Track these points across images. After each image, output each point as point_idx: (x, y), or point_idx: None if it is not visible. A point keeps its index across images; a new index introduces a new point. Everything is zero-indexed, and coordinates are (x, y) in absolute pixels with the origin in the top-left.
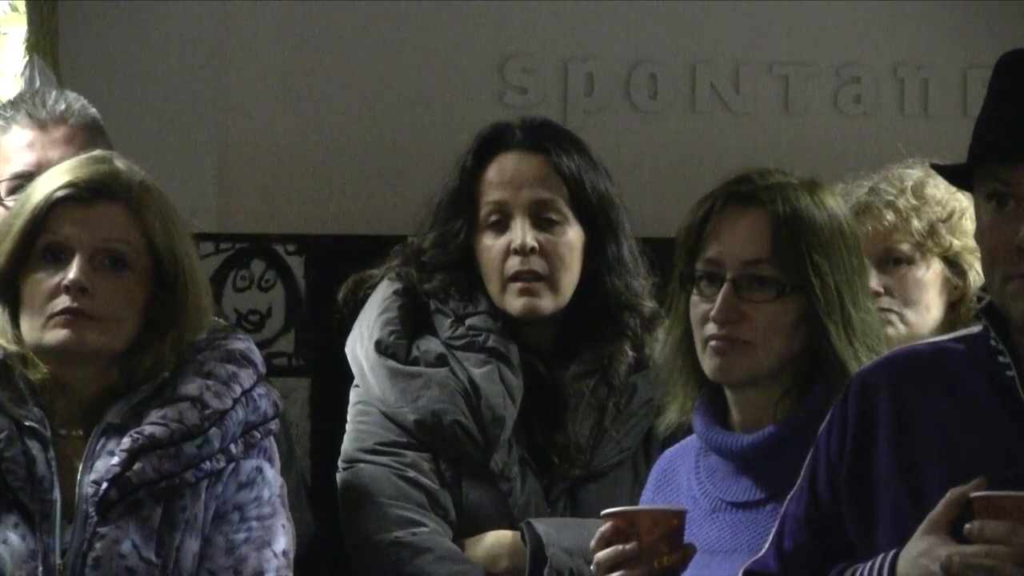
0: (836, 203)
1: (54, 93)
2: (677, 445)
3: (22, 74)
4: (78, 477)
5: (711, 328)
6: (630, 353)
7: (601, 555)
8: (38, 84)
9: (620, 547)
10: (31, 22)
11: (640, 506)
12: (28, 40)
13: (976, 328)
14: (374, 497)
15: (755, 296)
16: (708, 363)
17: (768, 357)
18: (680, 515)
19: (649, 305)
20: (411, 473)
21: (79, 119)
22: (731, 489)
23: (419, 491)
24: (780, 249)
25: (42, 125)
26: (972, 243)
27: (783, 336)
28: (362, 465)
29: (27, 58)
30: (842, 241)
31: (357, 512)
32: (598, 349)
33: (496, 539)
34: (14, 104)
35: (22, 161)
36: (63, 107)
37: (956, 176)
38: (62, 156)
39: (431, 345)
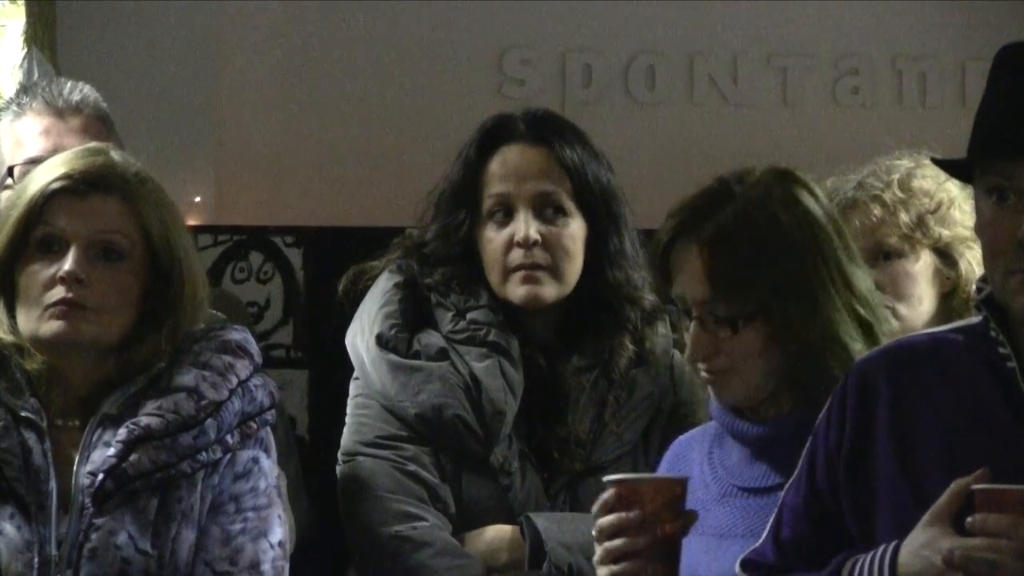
0: (794, 207)
1: (69, 83)
2: (691, 431)
3: (20, 66)
4: (74, 468)
5: (696, 362)
6: (630, 347)
7: (603, 521)
8: (36, 76)
9: (623, 514)
10: (29, 14)
11: (642, 475)
12: (26, 32)
13: (975, 319)
14: (374, 491)
15: (718, 331)
16: (711, 392)
17: (754, 378)
18: (682, 483)
19: (649, 298)
20: (411, 467)
21: (94, 110)
22: (744, 475)
23: (419, 485)
24: (719, 289)
25: (59, 113)
26: (962, 233)
27: (759, 360)
28: (362, 458)
29: (25, 50)
30: (789, 257)
31: (357, 505)
32: (599, 342)
33: (495, 533)
34: (28, 91)
35: (37, 147)
36: (79, 97)
37: (956, 170)
38: (77, 145)
39: (432, 339)
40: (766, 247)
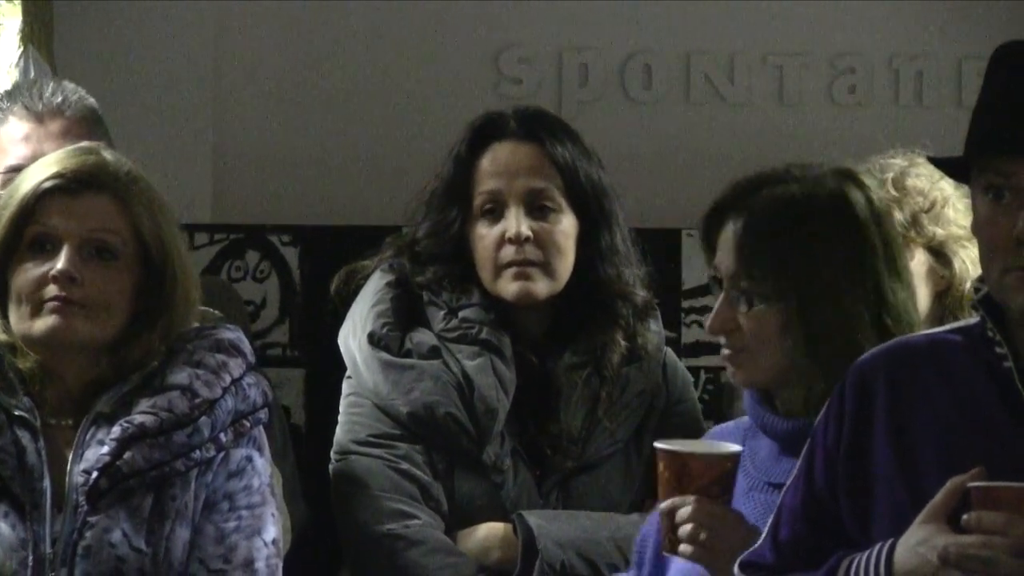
0: (844, 208)
1: (51, 85)
2: (729, 423)
3: (16, 65)
4: (68, 466)
5: (717, 335)
6: (623, 342)
7: (661, 506)
8: (33, 75)
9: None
10: (26, 12)
11: (694, 448)
12: (23, 31)
13: (972, 319)
14: (367, 489)
15: (739, 308)
16: (728, 372)
17: (769, 361)
18: (733, 458)
19: (641, 294)
20: (404, 465)
21: (75, 111)
22: (772, 470)
23: (412, 483)
24: (746, 264)
25: (38, 118)
26: (956, 231)
27: (773, 342)
28: (355, 457)
29: (21, 49)
30: (831, 251)
31: (350, 504)
32: (591, 339)
33: (488, 531)
34: (10, 96)
35: (17, 154)
36: (59, 99)
37: (953, 168)
38: (57, 149)
39: (424, 337)
40: (803, 235)
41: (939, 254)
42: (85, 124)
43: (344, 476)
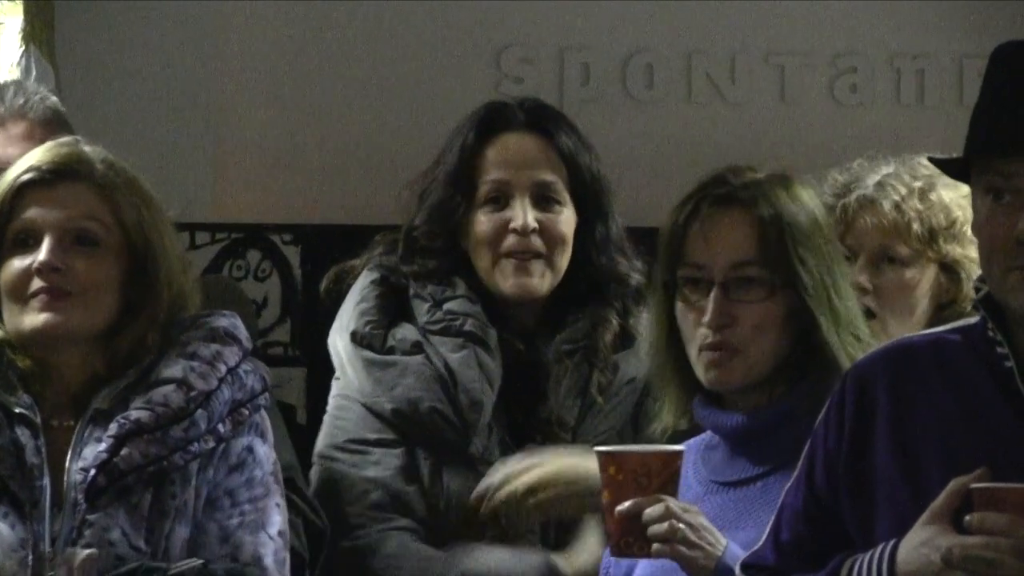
0: (809, 197)
1: (12, 87)
2: (688, 441)
3: (18, 64)
4: (67, 464)
5: (704, 334)
6: (615, 321)
7: (622, 508)
8: (34, 74)
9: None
10: (27, 12)
11: (637, 448)
12: (24, 30)
13: (972, 319)
14: (338, 496)
15: (744, 297)
16: (704, 374)
17: (761, 358)
18: (681, 456)
19: (637, 277)
20: (371, 472)
21: (38, 113)
22: (724, 471)
23: (382, 491)
24: (767, 248)
25: (0, 122)
26: (972, 253)
27: (774, 334)
28: (329, 462)
29: (23, 48)
30: (820, 234)
31: (324, 510)
32: (582, 323)
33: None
34: None
35: None
36: (21, 102)
37: (953, 169)
38: (22, 153)
39: (407, 333)
40: (810, 222)
41: (950, 270)
42: (48, 126)
43: (320, 481)
